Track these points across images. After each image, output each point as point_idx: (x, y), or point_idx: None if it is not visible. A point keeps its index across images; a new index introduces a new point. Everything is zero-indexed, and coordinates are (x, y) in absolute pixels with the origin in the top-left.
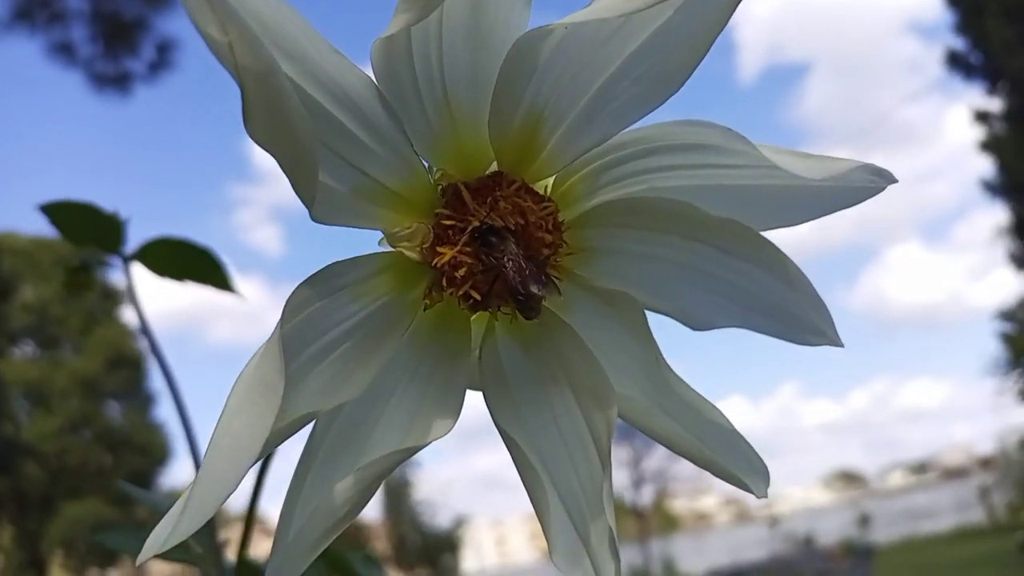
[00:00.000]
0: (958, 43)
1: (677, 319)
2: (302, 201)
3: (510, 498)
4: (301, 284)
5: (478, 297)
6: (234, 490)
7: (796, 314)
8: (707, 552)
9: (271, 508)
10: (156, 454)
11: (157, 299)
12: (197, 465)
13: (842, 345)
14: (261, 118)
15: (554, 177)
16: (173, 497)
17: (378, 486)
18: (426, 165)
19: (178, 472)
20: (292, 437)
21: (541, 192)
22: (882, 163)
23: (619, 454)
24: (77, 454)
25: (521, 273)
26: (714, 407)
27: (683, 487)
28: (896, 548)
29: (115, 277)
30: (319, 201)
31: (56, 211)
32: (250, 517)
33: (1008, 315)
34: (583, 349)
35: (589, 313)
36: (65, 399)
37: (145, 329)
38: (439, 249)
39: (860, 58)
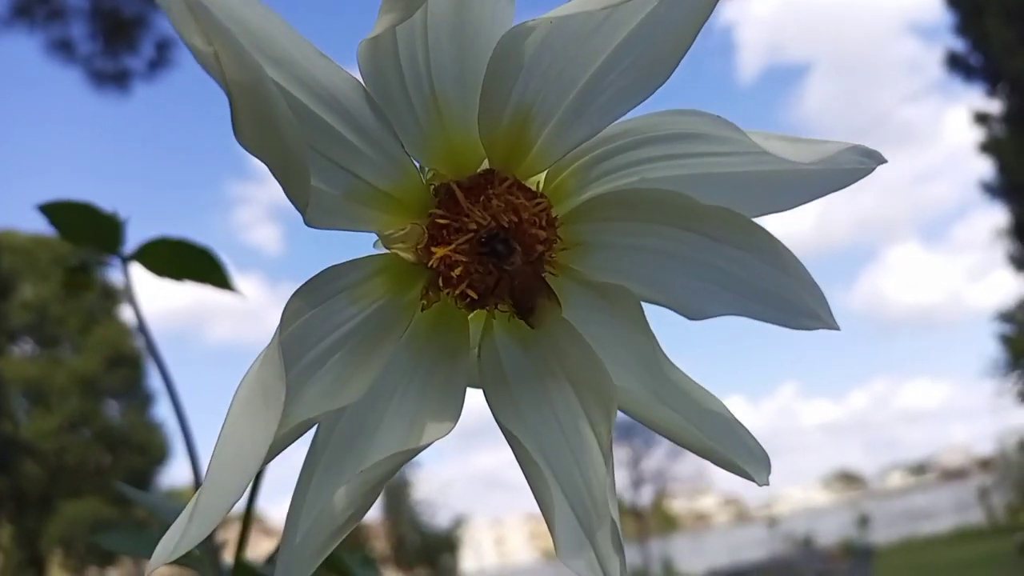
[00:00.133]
0: (958, 44)
1: (673, 309)
2: (295, 207)
3: (509, 498)
4: (297, 290)
5: (475, 296)
6: (239, 498)
7: (791, 299)
8: (706, 552)
9: (268, 507)
10: (155, 453)
11: (156, 298)
12: (194, 465)
13: (838, 328)
14: (250, 126)
15: (545, 173)
16: (171, 498)
17: (382, 488)
18: (417, 165)
19: (177, 471)
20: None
21: (533, 188)
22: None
23: (618, 454)
24: (76, 453)
25: (526, 288)
26: (713, 396)
27: (682, 487)
28: (895, 549)
29: (114, 276)
30: (312, 206)
31: (55, 211)
32: (247, 519)
33: (1007, 317)
34: (581, 343)
35: (586, 307)
36: (64, 398)
37: (143, 330)
38: (434, 249)
39: (860, 58)
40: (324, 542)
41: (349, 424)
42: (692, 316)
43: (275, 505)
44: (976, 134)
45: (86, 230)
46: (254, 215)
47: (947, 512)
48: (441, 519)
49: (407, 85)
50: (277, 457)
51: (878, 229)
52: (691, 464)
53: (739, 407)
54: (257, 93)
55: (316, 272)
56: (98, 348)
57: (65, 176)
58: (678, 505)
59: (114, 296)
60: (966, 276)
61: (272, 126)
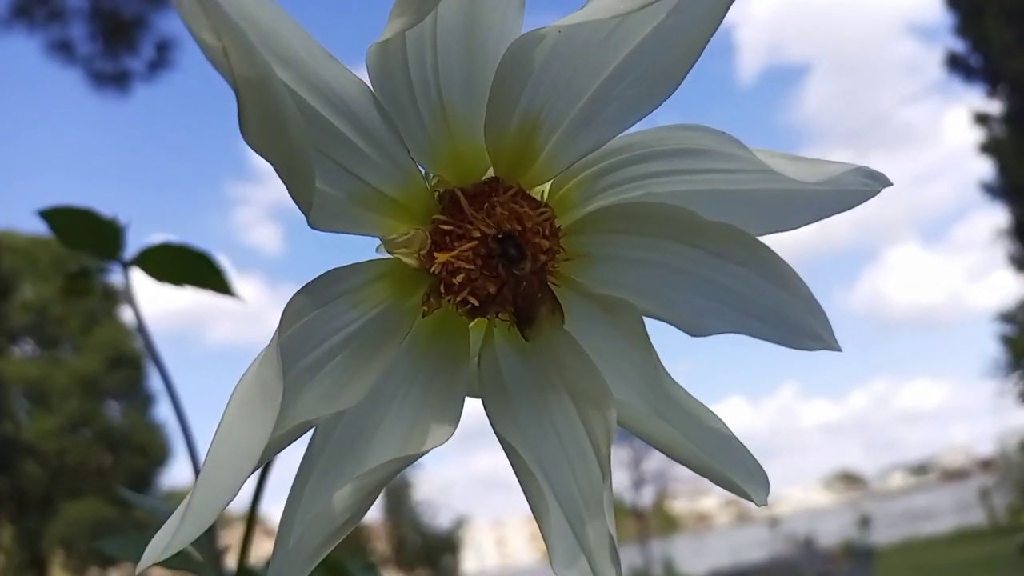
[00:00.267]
0: (958, 45)
1: (675, 325)
2: (299, 208)
3: (510, 499)
4: (298, 291)
5: (476, 303)
6: (233, 497)
7: (793, 319)
8: (707, 553)
9: (271, 509)
10: (156, 454)
11: (156, 300)
12: (195, 466)
13: (840, 350)
14: (257, 124)
15: (550, 183)
16: (173, 500)
17: (378, 494)
18: (423, 171)
19: (178, 472)
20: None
21: (538, 198)
22: (881, 164)
23: (619, 455)
24: (77, 453)
25: (530, 296)
26: (713, 413)
27: (683, 488)
28: (896, 549)
29: (115, 278)
30: (316, 208)
31: (55, 217)
32: (250, 523)
33: (1008, 317)
34: (582, 356)
35: (587, 320)
36: (65, 398)
37: (143, 333)
38: (437, 255)
39: (859, 59)
40: (319, 546)
41: (347, 428)
42: (694, 332)
43: (277, 506)
44: (976, 135)
45: (86, 236)
46: (254, 215)
47: (948, 513)
48: (442, 520)
49: (415, 90)
50: (279, 462)
51: (878, 230)
52: None
53: (739, 407)
54: (265, 90)
55: (318, 274)
56: (99, 349)
57: (65, 177)
58: (679, 506)
59: (114, 297)
60: (966, 277)
61: (279, 125)
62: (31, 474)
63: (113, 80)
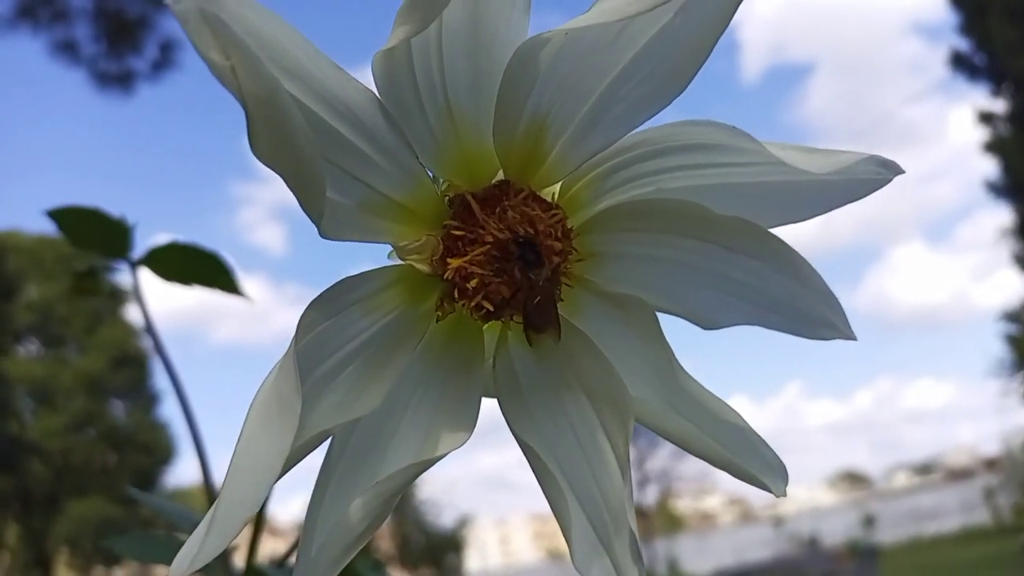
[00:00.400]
0: (962, 44)
1: (688, 319)
2: (310, 218)
3: (514, 498)
4: (312, 302)
5: (491, 308)
6: (257, 510)
7: (807, 309)
8: (711, 552)
9: (277, 509)
10: (161, 453)
11: (163, 299)
12: (203, 465)
13: (855, 338)
14: (266, 139)
15: (560, 183)
16: (177, 498)
17: (397, 499)
18: (432, 177)
19: (182, 471)
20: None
21: (548, 199)
22: None
23: None
24: (82, 452)
25: (543, 303)
26: (728, 406)
27: (687, 487)
28: (901, 549)
29: (121, 277)
30: (327, 217)
31: (63, 217)
32: (258, 524)
33: (1013, 316)
34: (596, 354)
35: (601, 318)
36: (70, 397)
37: (152, 332)
38: (449, 261)
39: (863, 58)
40: (340, 553)
41: (364, 435)
42: (707, 326)
43: (282, 505)
44: (980, 134)
45: (94, 235)
46: (258, 215)
47: (953, 512)
48: (446, 519)
49: (422, 96)
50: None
51: (882, 229)
52: (696, 464)
53: (743, 407)
54: (274, 106)
55: (330, 283)
56: (103, 348)
57: (69, 177)
58: (683, 505)
59: (120, 296)
60: (971, 276)
61: (288, 139)
62: (36, 473)
63: (117, 80)
